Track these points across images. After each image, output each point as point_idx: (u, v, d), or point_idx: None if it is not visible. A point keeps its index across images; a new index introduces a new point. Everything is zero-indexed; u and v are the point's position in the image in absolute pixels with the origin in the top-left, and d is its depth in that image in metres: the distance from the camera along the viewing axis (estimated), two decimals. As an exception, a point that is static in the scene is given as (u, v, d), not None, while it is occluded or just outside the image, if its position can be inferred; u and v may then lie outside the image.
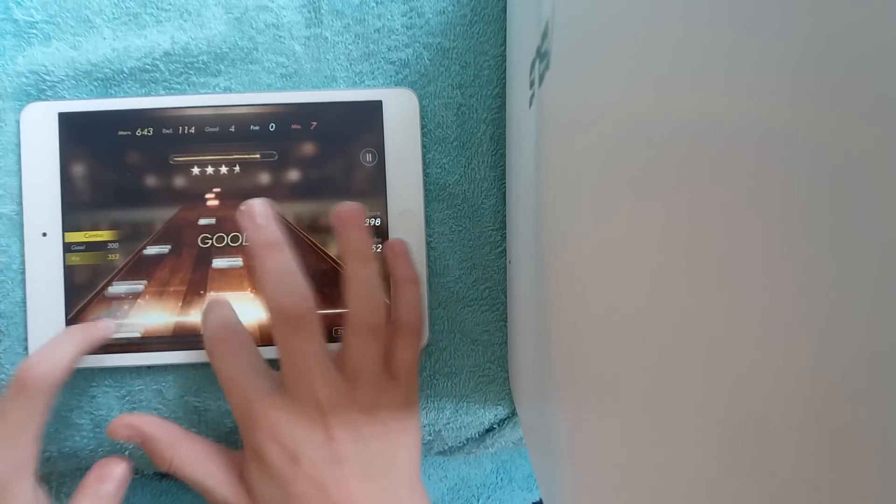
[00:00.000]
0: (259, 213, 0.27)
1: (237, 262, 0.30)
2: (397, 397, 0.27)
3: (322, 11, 0.31)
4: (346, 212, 0.27)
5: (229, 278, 0.30)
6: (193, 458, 0.27)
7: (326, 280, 0.30)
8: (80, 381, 0.30)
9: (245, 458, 0.27)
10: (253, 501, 0.26)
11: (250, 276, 0.30)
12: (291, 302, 0.26)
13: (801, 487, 0.07)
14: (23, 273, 0.30)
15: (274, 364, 0.28)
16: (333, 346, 0.29)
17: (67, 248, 0.30)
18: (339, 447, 0.25)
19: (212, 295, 0.30)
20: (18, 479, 0.25)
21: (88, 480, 0.27)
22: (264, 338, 0.30)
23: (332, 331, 0.30)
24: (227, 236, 0.30)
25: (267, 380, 0.27)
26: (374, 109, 0.31)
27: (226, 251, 0.30)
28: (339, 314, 0.30)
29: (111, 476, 0.27)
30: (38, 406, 0.25)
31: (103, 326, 0.29)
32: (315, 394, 0.25)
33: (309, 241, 0.31)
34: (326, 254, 0.31)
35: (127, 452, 0.31)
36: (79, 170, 0.30)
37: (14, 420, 0.25)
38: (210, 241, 0.30)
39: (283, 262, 0.26)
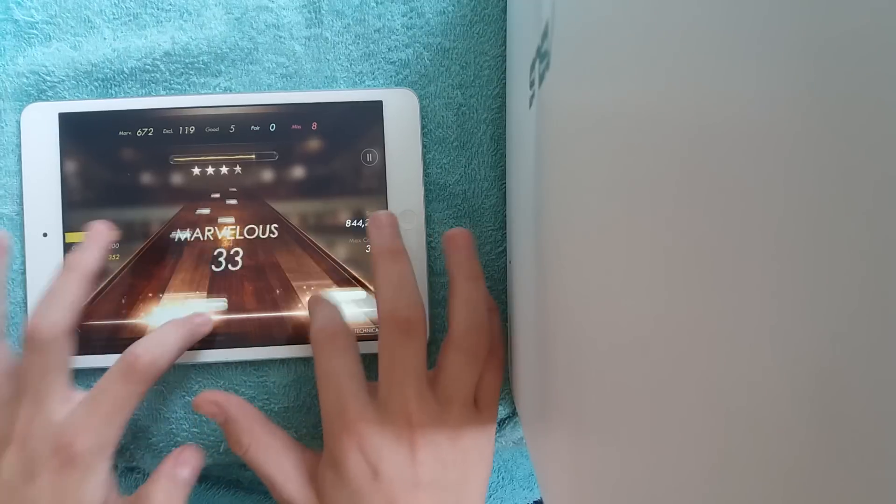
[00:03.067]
0: (386, 223, 0.27)
1: (237, 261, 0.30)
2: (480, 429, 0.27)
3: (322, 12, 0.31)
4: (458, 234, 0.28)
5: (229, 278, 0.30)
6: (269, 449, 0.27)
7: (327, 280, 0.30)
8: (83, 381, 0.30)
9: (322, 461, 0.27)
10: None
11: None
12: (405, 310, 0.26)
13: (801, 491, 0.07)
14: (23, 273, 0.30)
15: (284, 365, 0.28)
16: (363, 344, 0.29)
17: (68, 248, 0.30)
18: (420, 470, 0.25)
19: (319, 292, 0.30)
20: (100, 458, 0.26)
21: (167, 465, 0.27)
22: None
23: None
24: (227, 236, 0.30)
25: (363, 388, 0.26)
26: (374, 110, 0.31)
27: (226, 251, 0.30)
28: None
29: (189, 461, 0.27)
30: (138, 392, 0.26)
31: (203, 321, 0.29)
32: (408, 410, 0.25)
33: (310, 242, 0.31)
34: (327, 254, 0.31)
35: (128, 453, 0.31)
36: (79, 170, 0.30)
37: (114, 401, 0.26)
38: (210, 241, 0.30)
39: (403, 270, 0.27)
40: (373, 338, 0.30)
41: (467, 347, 0.27)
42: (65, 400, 0.26)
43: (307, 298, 0.30)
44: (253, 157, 0.31)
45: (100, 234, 0.28)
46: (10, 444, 0.25)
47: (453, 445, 0.26)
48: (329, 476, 0.26)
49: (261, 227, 0.31)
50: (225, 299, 0.30)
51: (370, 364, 0.28)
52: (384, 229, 0.27)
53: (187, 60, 0.30)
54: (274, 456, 0.27)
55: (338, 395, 0.26)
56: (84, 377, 0.30)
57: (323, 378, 0.27)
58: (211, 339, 0.30)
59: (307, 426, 0.31)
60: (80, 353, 0.30)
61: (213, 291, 0.30)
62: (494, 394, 0.28)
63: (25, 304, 0.30)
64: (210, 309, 0.30)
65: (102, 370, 0.31)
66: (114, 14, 0.30)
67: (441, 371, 0.27)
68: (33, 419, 0.26)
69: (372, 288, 0.31)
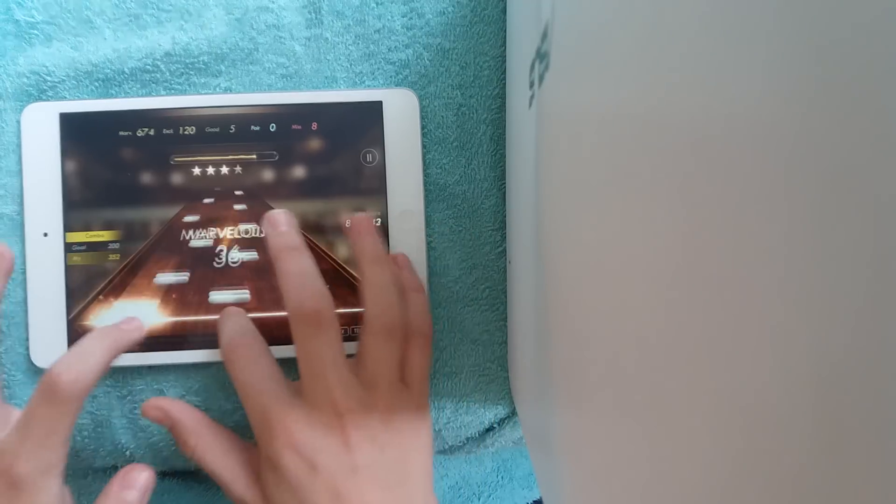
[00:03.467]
0: (282, 222, 0.28)
1: (237, 261, 0.30)
2: (411, 404, 0.27)
3: (322, 12, 0.31)
4: (359, 219, 0.29)
5: (229, 278, 0.30)
6: (215, 448, 0.27)
7: (327, 280, 0.31)
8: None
9: (262, 465, 0.27)
10: None
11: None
12: (311, 304, 0.26)
13: (800, 487, 0.07)
14: (24, 273, 0.30)
15: (286, 366, 0.28)
16: (350, 344, 0.29)
17: (68, 248, 0.30)
18: (356, 455, 0.25)
19: (229, 308, 0.30)
20: (46, 479, 0.25)
21: (113, 487, 0.27)
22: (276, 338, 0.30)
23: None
24: (228, 236, 0.30)
25: (284, 387, 0.27)
26: (374, 110, 0.31)
27: (226, 251, 0.30)
28: (341, 314, 0.30)
29: (135, 483, 0.27)
30: (67, 411, 0.25)
31: (133, 328, 0.29)
32: (333, 399, 0.25)
33: (310, 241, 0.31)
34: (328, 254, 0.31)
35: (128, 452, 0.31)
36: (80, 170, 0.30)
37: (43, 424, 0.25)
38: (211, 241, 0.30)
39: (303, 265, 0.27)
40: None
41: (379, 329, 0.27)
42: (2, 423, 0.26)
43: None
44: (253, 157, 0.31)
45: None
46: None
47: (386, 426, 0.26)
48: (270, 478, 0.26)
49: (260, 226, 0.31)
50: (240, 292, 0.30)
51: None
52: (279, 227, 0.28)
53: (188, 61, 0.30)
54: (219, 455, 0.27)
55: (259, 401, 0.26)
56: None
57: (242, 389, 0.27)
58: (211, 339, 0.30)
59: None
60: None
61: (213, 290, 0.30)
62: (422, 371, 0.28)
63: (25, 304, 0.30)
64: (213, 305, 0.30)
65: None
66: (114, 14, 0.30)
67: (360, 357, 0.27)
68: None
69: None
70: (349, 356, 0.28)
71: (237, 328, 0.28)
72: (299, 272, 0.27)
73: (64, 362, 0.26)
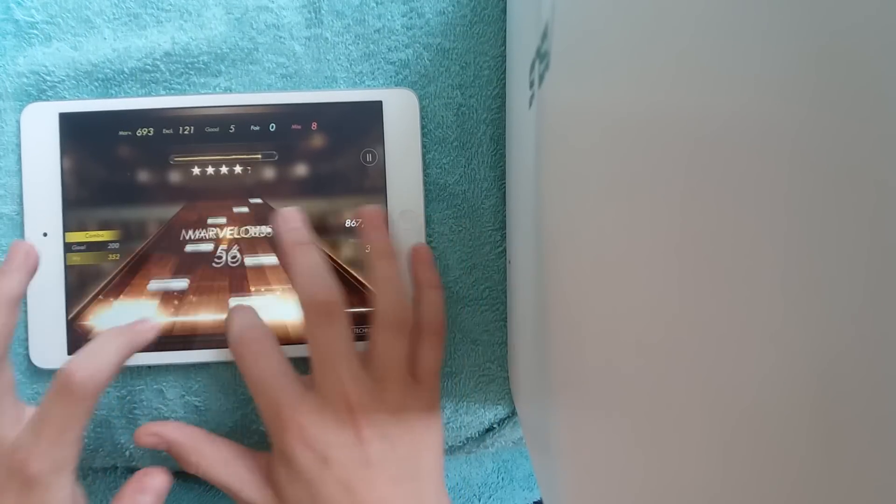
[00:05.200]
0: (292, 218, 0.28)
1: (237, 261, 0.30)
2: (422, 400, 0.28)
3: (322, 12, 0.31)
4: (369, 212, 0.29)
5: (229, 277, 0.30)
6: (219, 461, 0.27)
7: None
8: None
9: (273, 461, 0.27)
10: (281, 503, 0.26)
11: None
12: (322, 296, 0.26)
13: (800, 488, 0.07)
14: (23, 273, 0.30)
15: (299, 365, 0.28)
16: (360, 344, 0.29)
17: (68, 248, 0.30)
18: (368, 448, 0.25)
19: (234, 301, 0.30)
20: (59, 476, 0.25)
21: (126, 491, 0.27)
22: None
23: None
24: (228, 236, 0.30)
25: (295, 382, 0.27)
26: (374, 110, 0.31)
27: (226, 251, 0.30)
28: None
29: (150, 488, 0.27)
30: (81, 409, 0.25)
31: (148, 328, 0.29)
32: (344, 392, 0.26)
33: (309, 241, 0.31)
34: (328, 254, 0.31)
35: (128, 452, 0.31)
36: (79, 170, 0.30)
37: (56, 422, 0.25)
38: (210, 241, 0.30)
39: (314, 259, 0.27)
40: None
41: (389, 324, 0.27)
42: (15, 420, 0.26)
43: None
44: (253, 157, 0.31)
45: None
46: None
47: (397, 421, 0.26)
48: (282, 473, 0.26)
49: (260, 226, 0.31)
50: (225, 299, 0.30)
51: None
52: (291, 224, 0.28)
53: (187, 60, 0.30)
54: (225, 466, 0.27)
55: (271, 396, 0.26)
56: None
57: (253, 384, 0.27)
58: (211, 339, 0.30)
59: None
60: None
61: (213, 291, 0.30)
62: (433, 367, 0.29)
63: (25, 304, 0.30)
64: (211, 307, 0.30)
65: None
66: (114, 14, 0.30)
67: (370, 351, 0.27)
68: None
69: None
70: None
71: (246, 322, 0.28)
72: (310, 266, 0.27)
73: (78, 360, 0.26)
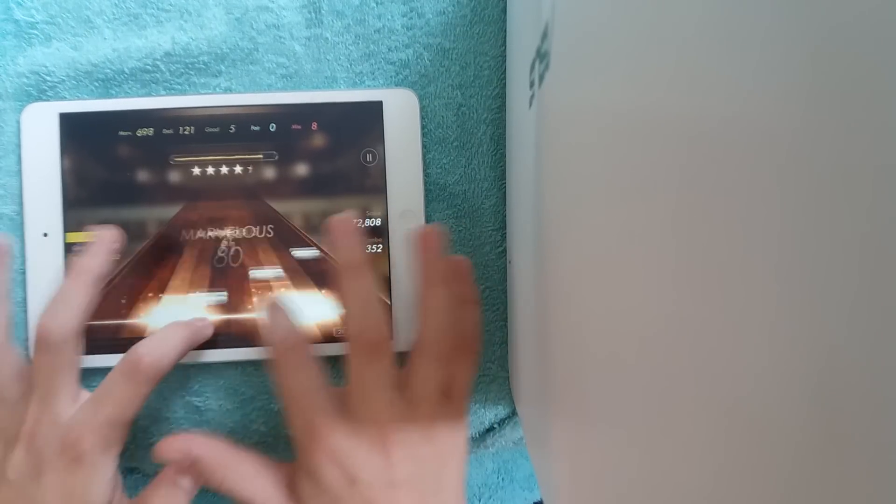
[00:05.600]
0: (351, 230, 0.27)
1: (237, 261, 0.30)
2: (451, 418, 0.27)
3: (322, 12, 0.31)
4: (425, 238, 0.29)
5: (229, 277, 0.30)
6: (243, 477, 0.27)
7: (327, 279, 0.30)
8: (84, 381, 0.30)
9: (298, 474, 0.27)
10: None
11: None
12: (372, 334, 0.26)
13: (800, 489, 0.07)
14: (23, 273, 0.30)
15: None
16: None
17: (68, 248, 0.30)
18: (396, 470, 0.25)
19: (271, 296, 0.30)
20: (105, 457, 0.26)
21: (169, 471, 0.27)
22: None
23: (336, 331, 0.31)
24: (228, 236, 0.30)
25: (329, 399, 0.27)
26: (374, 110, 0.31)
27: (226, 251, 0.30)
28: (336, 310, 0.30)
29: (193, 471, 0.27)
30: (142, 392, 0.27)
31: (205, 325, 0.30)
32: (378, 418, 0.26)
33: (310, 241, 0.31)
34: (328, 254, 0.31)
35: (128, 452, 0.31)
36: (79, 170, 0.30)
37: (118, 401, 0.26)
38: (211, 241, 0.30)
39: (366, 288, 0.27)
40: (339, 339, 0.30)
41: (432, 353, 0.27)
42: (73, 400, 0.27)
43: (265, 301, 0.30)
44: (253, 157, 0.31)
45: (106, 240, 0.29)
46: (17, 444, 0.26)
47: (427, 441, 0.26)
48: (307, 487, 0.26)
49: (260, 226, 0.31)
50: (226, 297, 0.30)
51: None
52: (349, 237, 0.27)
53: (187, 61, 0.30)
54: (249, 481, 0.27)
55: (305, 412, 0.26)
56: (84, 376, 0.30)
57: (287, 395, 0.27)
58: (211, 339, 0.30)
59: (307, 426, 0.31)
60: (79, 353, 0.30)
61: (213, 291, 0.30)
62: (465, 387, 0.28)
63: (25, 304, 0.30)
64: (210, 304, 0.30)
65: (103, 370, 0.31)
66: (114, 14, 0.30)
67: (409, 375, 0.27)
68: (41, 419, 0.26)
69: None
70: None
71: (287, 328, 0.28)
72: (364, 297, 0.27)
73: (146, 345, 0.27)
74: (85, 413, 0.26)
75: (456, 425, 0.28)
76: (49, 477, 0.25)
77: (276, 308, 0.28)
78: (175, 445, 0.27)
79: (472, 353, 0.29)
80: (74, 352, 0.27)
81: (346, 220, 0.28)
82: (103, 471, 0.26)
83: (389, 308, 0.30)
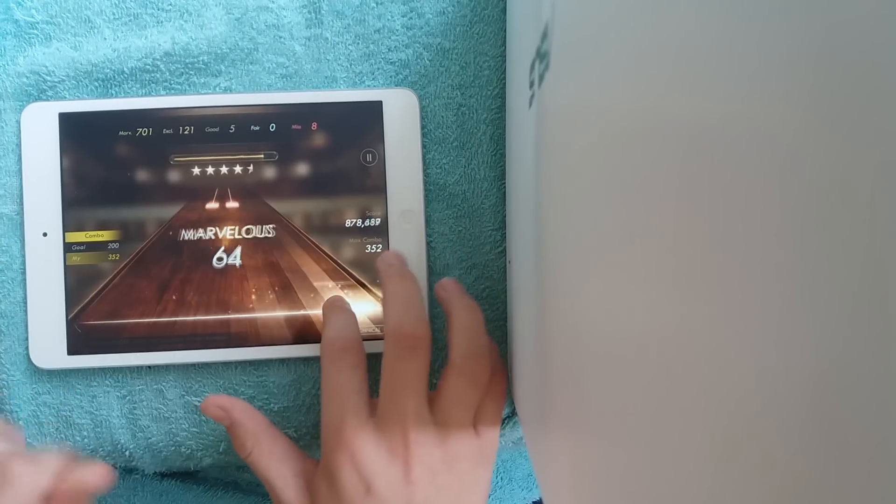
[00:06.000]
0: (395, 260, 0.29)
1: (236, 261, 0.30)
2: (477, 453, 0.27)
3: (322, 12, 0.31)
4: (450, 284, 0.30)
5: (229, 277, 0.30)
6: (272, 455, 0.27)
7: (326, 280, 0.31)
8: (80, 380, 0.30)
9: (318, 472, 0.27)
10: None
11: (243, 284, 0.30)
12: (410, 327, 0.26)
13: (800, 490, 0.07)
14: (23, 273, 0.30)
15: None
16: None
17: (68, 248, 0.30)
18: (414, 489, 0.25)
19: (338, 296, 0.30)
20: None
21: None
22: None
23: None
24: (228, 236, 0.30)
25: (365, 404, 0.27)
26: (374, 110, 0.31)
27: (226, 251, 0.30)
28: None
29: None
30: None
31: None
32: (405, 427, 0.26)
33: (310, 241, 0.31)
34: (327, 254, 0.31)
35: (127, 452, 0.31)
36: (79, 170, 0.30)
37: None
38: (210, 241, 0.30)
39: (409, 289, 0.27)
40: (374, 338, 0.30)
41: (468, 373, 0.27)
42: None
43: (324, 300, 0.30)
44: (253, 156, 0.31)
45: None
46: None
47: (448, 469, 0.26)
48: (323, 487, 0.26)
49: (260, 226, 0.31)
50: (225, 297, 0.30)
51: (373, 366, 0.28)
52: (393, 261, 0.29)
53: (187, 60, 0.30)
54: (275, 462, 0.27)
55: (340, 409, 0.26)
56: (83, 376, 0.30)
57: (328, 391, 0.27)
58: (211, 339, 0.30)
59: (307, 426, 0.31)
60: (78, 353, 0.30)
61: (213, 290, 0.30)
62: (495, 420, 0.28)
63: (25, 303, 0.30)
64: (209, 304, 0.30)
65: (102, 370, 0.31)
66: (114, 14, 0.30)
67: (441, 394, 0.27)
68: None
69: (372, 289, 0.31)
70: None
71: (345, 326, 0.28)
72: (404, 294, 0.27)
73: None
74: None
75: (480, 461, 0.27)
76: None
77: (336, 305, 0.29)
78: (218, 402, 0.28)
79: (502, 387, 0.29)
80: None
81: (395, 255, 0.30)
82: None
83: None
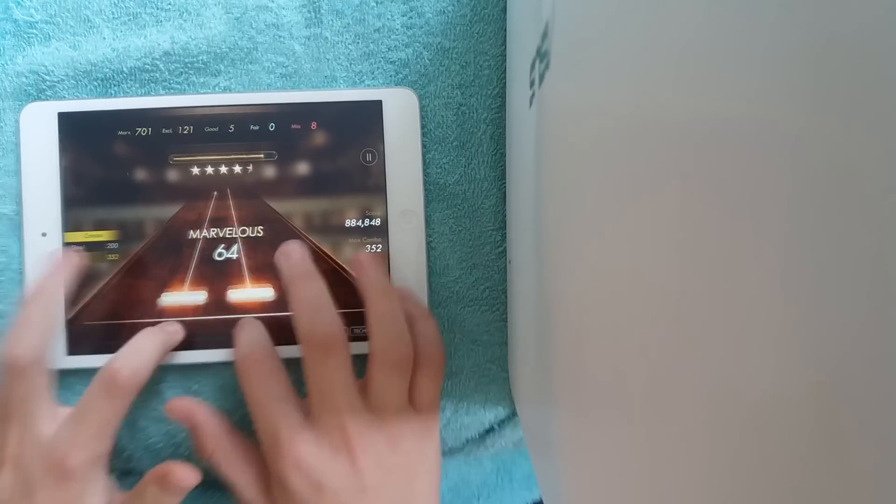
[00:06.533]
0: (294, 251, 0.28)
1: (236, 261, 0.30)
2: (419, 428, 0.28)
3: (322, 11, 0.31)
4: (365, 258, 0.29)
5: (228, 277, 0.30)
6: (232, 457, 0.28)
7: (326, 279, 0.30)
8: (80, 380, 0.30)
9: (272, 480, 0.27)
10: None
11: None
12: (322, 330, 0.26)
13: (799, 489, 0.07)
14: (22, 273, 0.30)
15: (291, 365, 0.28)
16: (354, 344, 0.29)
17: (67, 248, 0.30)
18: (364, 477, 0.26)
19: (245, 318, 0.30)
20: (94, 470, 0.26)
21: (149, 484, 0.27)
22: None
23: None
24: (227, 236, 0.30)
25: (294, 408, 0.27)
26: (374, 109, 0.31)
27: (225, 251, 0.30)
28: (342, 314, 0.30)
29: (176, 486, 0.27)
30: (122, 405, 0.27)
31: (175, 330, 0.30)
32: (342, 423, 0.26)
33: (310, 241, 0.31)
34: (327, 254, 0.31)
35: (126, 453, 0.31)
36: (78, 170, 0.30)
37: (99, 416, 0.26)
38: (210, 241, 0.30)
39: (316, 291, 0.27)
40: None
41: (387, 360, 0.27)
42: (52, 418, 0.27)
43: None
44: (252, 156, 0.30)
45: (64, 263, 0.29)
46: (3, 467, 0.26)
47: (393, 450, 0.27)
48: (278, 495, 0.27)
49: (260, 226, 0.30)
50: (225, 297, 0.30)
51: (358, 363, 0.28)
52: (293, 255, 0.28)
53: (187, 60, 0.30)
54: (235, 463, 0.28)
55: (271, 421, 0.26)
56: (82, 376, 0.30)
57: (253, 406, 0.27)
58: (211, 339, 0.30)
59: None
60: (78, 353, 0.30)
61: (212, 291, 0.30)
62: (432, 395, 0.29)
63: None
64: (209, 304, 0.30)
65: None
66: (113, 14, 0.30)
67: (369, 384, 0.27)
68: (23, 440, 0.26)
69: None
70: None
71: (252, 340, 0.28)
72: (312, 298, 0.27)
73: (122, 358, 0.27)
74: (68, 431, 0.26)
75: (424, 435, 0.28)
76: (40, 495, 0.25)
77: (245, 323, 0.29)
78: (181, 405, 0.28)
79: (437, 367, 0.29)
80: (45, 372, 0.27)
81: (295, 245, 0.29)
82: (94, 482, 0.26)
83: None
